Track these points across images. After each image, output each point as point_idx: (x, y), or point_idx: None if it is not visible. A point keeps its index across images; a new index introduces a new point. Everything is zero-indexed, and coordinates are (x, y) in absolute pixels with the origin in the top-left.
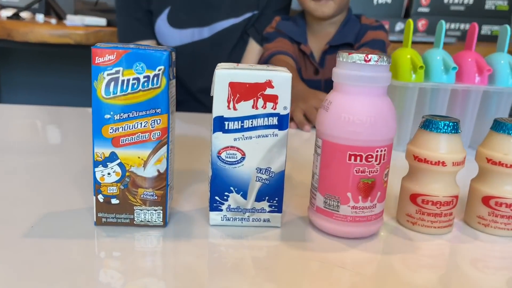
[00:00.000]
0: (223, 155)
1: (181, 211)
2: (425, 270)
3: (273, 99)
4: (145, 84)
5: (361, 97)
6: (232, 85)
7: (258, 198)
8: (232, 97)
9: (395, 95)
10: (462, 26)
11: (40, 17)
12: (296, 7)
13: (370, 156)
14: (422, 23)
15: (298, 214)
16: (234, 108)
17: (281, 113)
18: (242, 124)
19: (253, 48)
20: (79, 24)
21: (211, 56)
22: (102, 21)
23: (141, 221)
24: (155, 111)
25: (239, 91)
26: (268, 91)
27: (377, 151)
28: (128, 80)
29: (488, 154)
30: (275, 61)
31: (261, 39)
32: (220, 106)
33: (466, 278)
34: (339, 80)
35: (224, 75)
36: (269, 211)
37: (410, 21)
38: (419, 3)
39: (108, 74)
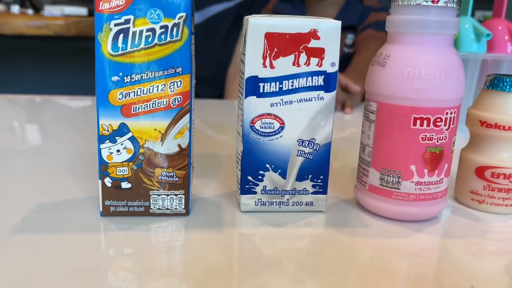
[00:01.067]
0: (257, 125)
1: (204, 197)
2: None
3: (319, 53)
4: (162, 36)
5: (428, 47)
6: (269, 36)
7: (300, 177)
8: (268, 52)
9: None
10: None
11: (15, 8)
12: None
13: (439, 120)
14: None
15: (340, 197)
16: (271, 66)
17: (328, 71)
18: (281, 86)
19: None
20: (58, 14)
21: (203, 43)
22: (83, 11)
23: (159, 208)
24: (175, 70)
25: (278, 44)
26: (313, 44)
27: (446, 113)
28: (141, 32)
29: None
30: None
31: None
32: (253, 64)
33: None
34: (398, 29)
35: (260, 25)
36: (313, 193)
37: None
38: None
39: (115, 25)
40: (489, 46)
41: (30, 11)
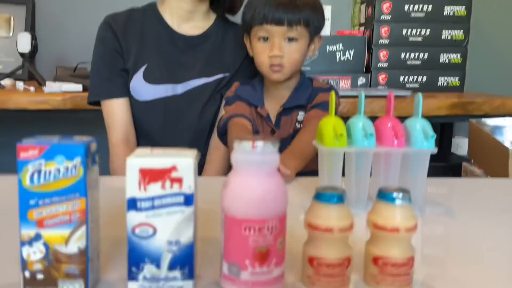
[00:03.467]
0: (137, 231)
1: (107, 280)
2: None
3: (179, 180)
4: (65, 173)
5: (252, 178)
6: (142, 171)
7: (171, 268)
8: (142, 180)
9: (323, 160)
10: (419, 78)
11: (20, 85)
12: None
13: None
14: (382, 77)
15: (212, 278)
16: (145, 190)
17: (186, 192)
18: (153, 203)
19: None
20: (57, 90)
21: (184, 111)
22: (78, 87)
23: None
24: (75, 195)
25: (149, 175)
26: (174, 174)
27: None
28: (50, 171)
29: (374, 219)
30: (232, 123)
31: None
32: (132, 188)
33: None
34: (234, 163)
35: (135, 164)
36: (182, 279)
37: (333, 93)
38: (378, 59)
39: (32, 166)
40: (379, 140)
41: (32, 88)
